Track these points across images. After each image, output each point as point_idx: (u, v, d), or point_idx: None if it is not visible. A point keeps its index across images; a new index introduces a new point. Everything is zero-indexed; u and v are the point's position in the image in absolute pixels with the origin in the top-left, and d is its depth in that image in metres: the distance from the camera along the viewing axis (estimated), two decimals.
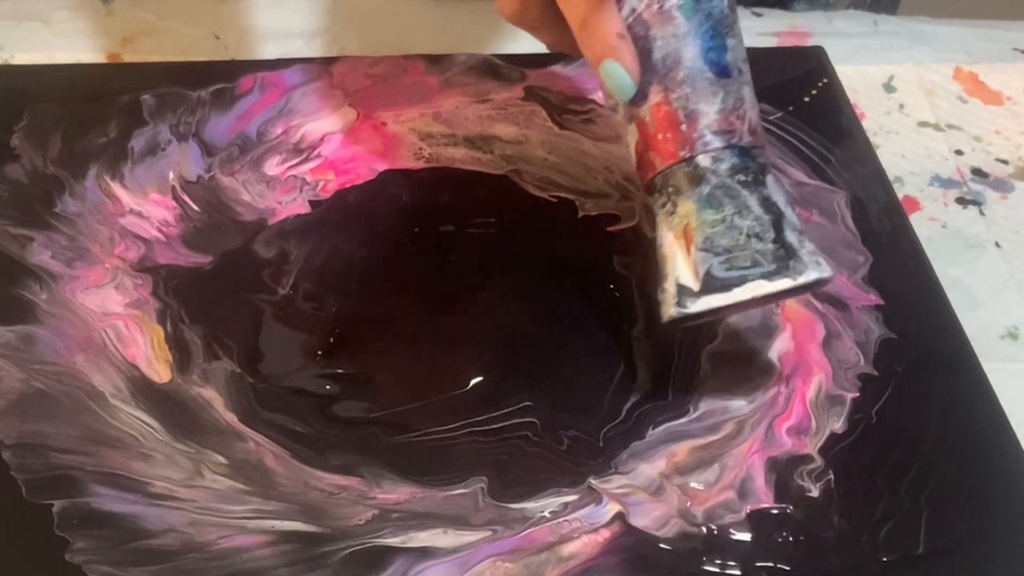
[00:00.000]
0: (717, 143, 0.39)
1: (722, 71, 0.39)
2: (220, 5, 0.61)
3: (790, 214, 0.39)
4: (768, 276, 0.38)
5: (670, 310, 0.39)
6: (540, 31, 0.42)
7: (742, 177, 0.39)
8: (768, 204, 0.39)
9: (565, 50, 0.43)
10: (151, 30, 0.59)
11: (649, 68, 0.39)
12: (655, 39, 0.39)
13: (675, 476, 0.41)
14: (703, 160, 0.39)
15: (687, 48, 0.39)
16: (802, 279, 0.38)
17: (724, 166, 0.39)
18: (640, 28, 0.39)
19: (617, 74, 0.38)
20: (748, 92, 0.40)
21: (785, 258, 0.38)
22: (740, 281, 0.38)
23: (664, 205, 0.40)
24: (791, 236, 0.39)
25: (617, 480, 0.40)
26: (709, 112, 0.39)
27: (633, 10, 0.39)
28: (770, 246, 0.38)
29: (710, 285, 0.38)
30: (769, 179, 0.39)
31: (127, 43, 0.59)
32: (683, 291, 0.38)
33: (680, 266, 0.39)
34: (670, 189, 0.39)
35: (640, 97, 0.39)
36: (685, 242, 0.39)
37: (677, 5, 0.39)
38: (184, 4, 0.60)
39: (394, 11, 0.61)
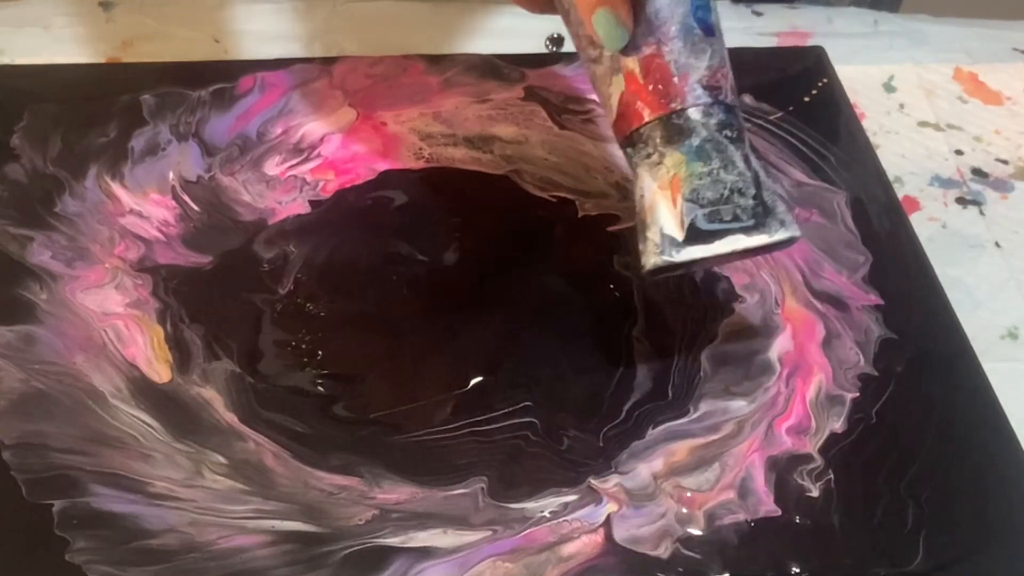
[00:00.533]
0: (706, 98, 0.39)
1: (708, 30, 0.40)
2: (220, 9, 0.61)
3: (764, 173, 0.40)
4: (747, 231, 0.39)
5: (653, 259, 0.39)
6: None
7: (729, 133, 0.39)
8: (748, 162, 0.40)
9: (524, 3, 0.43)
10: (151, 35, 0.59)
11: (642, 20, 0.39)
12: None
13: (672, 477, 0.41)
14: (694, 113, 0.39)
15: (679, 4, 0.39)
16: (777, 236, 0.39)
17: (713, 120, 0.39)
18: None
19: (610, 22, 0.38)
20: (727, 55, 0.41)
21: (763, 215, 0.39)
22: (722, 234, 0.39)
23: (649, 156, 0.40)
24: (767, 194, 0.40)
25: (616, 480, 0.40)
26: (699, 67, 0.39)
27: None
28: (750, 202, 0.39)
29: (694, 236, 0.39)
30: (747, 138, 0.40)
31: (127, 47, 0.59)
32: (667, 240, 0.39)
33: (664, 215, 0.39)
34: (657, 140, 0.40)
35: (632, 48, 0.39)
36: (671, 192, 0.39)
37: None
38: (184, 9, 0.60)
39: (394, 13, 0.61)
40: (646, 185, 0.40)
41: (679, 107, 0.39)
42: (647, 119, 0.40)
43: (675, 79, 0.39)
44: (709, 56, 0.39)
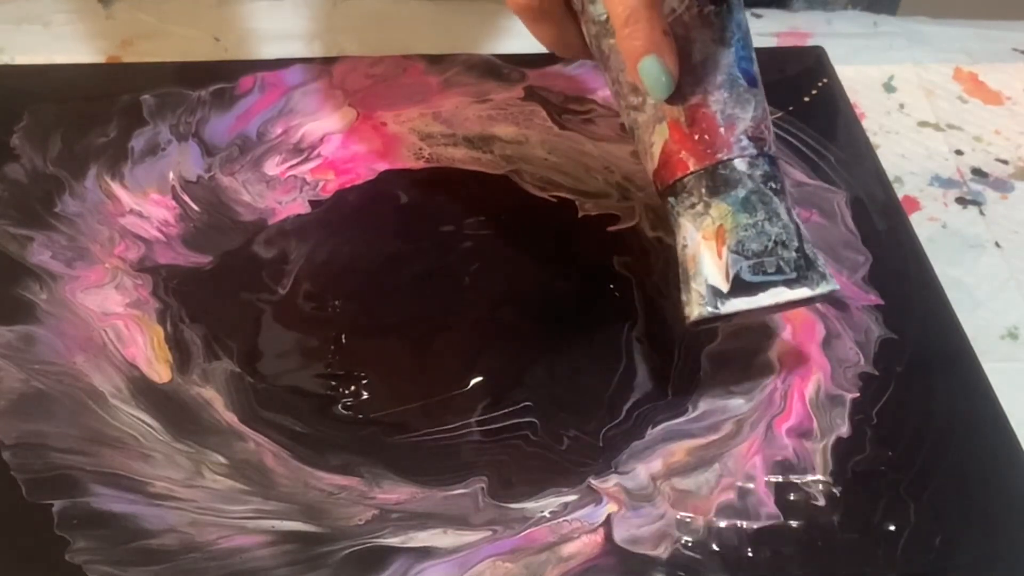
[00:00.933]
0: (752, 149, 0.39)
1: (752, 81, 0.40)
2: (220, 8, 0.61)
3: (803, 226, 0.40)
4: (789, 284, 0.39)
5: (698, 310, 0.39)
6: (545, 25, 0.41)
7: (773, 185, 0.39)
8: (791, 214, 0.40)
9: (557, 48, 0.42)
10: (151, 33, 0.59)
11: (688, 69, 0.39)
12: (695, 42, 0.39)
13: (672, 478, 0.41)
14: (740, 164, 0.39)
15: (724, 54, 0.39)
16: (819, 290, 0.39)
17: (759, 172, 0.39)
18: (680, 29, 0.39)
19: (657, 71, 0.38)
20: (767, 106, 0.41)
21: (805, 268, 0.39)
22: (766, 286, 0.39)
23: (693, 206, 0.40)
24: (808, 247, 0.39)
25: (616, 480, 0.40)
26: (745, 118, 0.39)
27: (673, 10, 0.39)
28: (793, 255, 0.39)
29: (739, 288, 0.39)
30: (789, 189, 0.40)
31: (127, 45, 0.59)
32: (712, 292, 0.39)
33: (709, 267, 0.39)
34: (703, 190, 0.39)
35: (677, 97, 0.39)
36: (716, 243, 0.39)
37: (715, 11, 0.39)
38: (184, 7, 0.60)
39: (394, 13, 0.61)
40: (689, 235, 0.40)
41: (725, 158, 0.39)
42: (692, 169, 0.39)
43: (721, 129, 0.39)
44: (753, 107, 0.39)
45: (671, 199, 0.41)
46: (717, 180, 0.39)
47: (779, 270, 0.39)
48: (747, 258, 0.39)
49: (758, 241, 0.39)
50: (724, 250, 0.39)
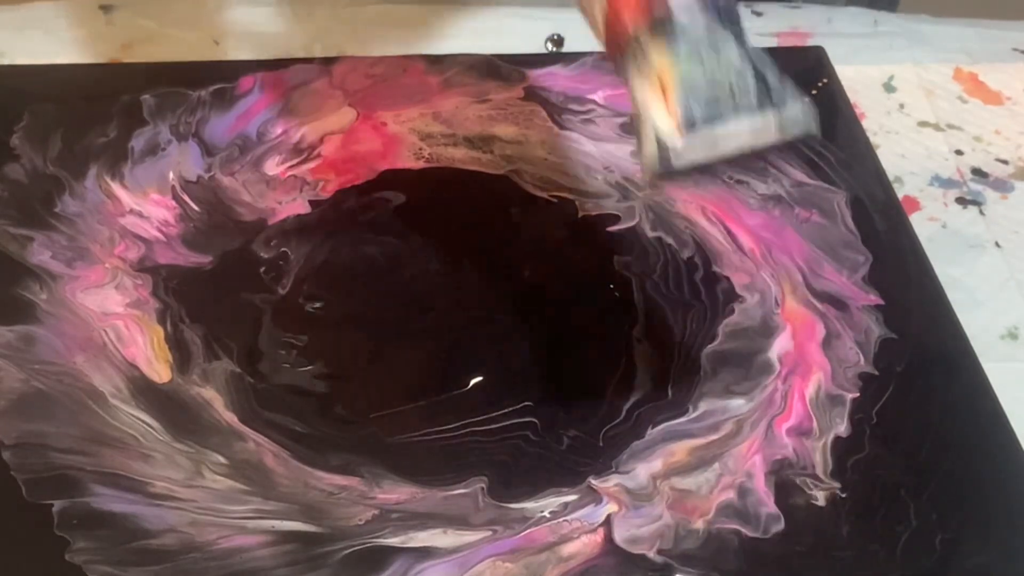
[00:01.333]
0: None
1: None
2: (219, 12, 0.61)
3: (769, 62, 0.38)
4: (749, 123, 0.37)
5: (653, 164, 0.37)
6: None
7: (721, 30, 0.38)
8: (744, 56, 0.38)
9: None
10: (151, 37, 0.59)
11: None
12: None
13: (672, 477, 0.41)
14: (680, 15, 0.38)
15: None
16: (787, 127, 0.38)
17: (701, 20, 0.38)
18: None
19: None
20: None
21: (764, 106, 0.37)
22: (724, 131, 0.37)
23: (640, 65, 0.38)
24: (772, 80, 0.38)
25: (616, 480, 0.40)
26: None
27: None
28: (753, 100, 0.37)
29: (693, 137, 0.37)
30: (746, 33, 0.39)
31: (127, 50, 0.59)
32: (666, 143, 0.37)
33: (661, 120, 0.38)
34: (647, 47, 0.38)
35: None
36: (664, 97, 0.38)
37: None
38: (184, 11, 0.60)
39: (394, 13, 0.61)
40: (640, 94, 0.38)
41: (662, 12, 0.38)
42: (631, 29, 0.38)
43: None
44: None
45: (624, 61, 0.39)
46: (657, 33, 0.38)
47: (736, 111, 0.37)
48: (699, 105, 0.37)
49: (708, 89, 0.37)
50: (672, 101, 0.37)
